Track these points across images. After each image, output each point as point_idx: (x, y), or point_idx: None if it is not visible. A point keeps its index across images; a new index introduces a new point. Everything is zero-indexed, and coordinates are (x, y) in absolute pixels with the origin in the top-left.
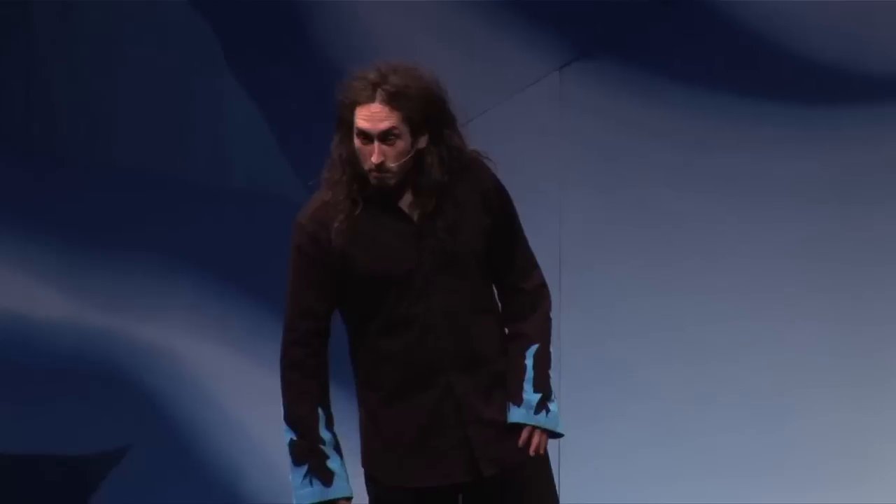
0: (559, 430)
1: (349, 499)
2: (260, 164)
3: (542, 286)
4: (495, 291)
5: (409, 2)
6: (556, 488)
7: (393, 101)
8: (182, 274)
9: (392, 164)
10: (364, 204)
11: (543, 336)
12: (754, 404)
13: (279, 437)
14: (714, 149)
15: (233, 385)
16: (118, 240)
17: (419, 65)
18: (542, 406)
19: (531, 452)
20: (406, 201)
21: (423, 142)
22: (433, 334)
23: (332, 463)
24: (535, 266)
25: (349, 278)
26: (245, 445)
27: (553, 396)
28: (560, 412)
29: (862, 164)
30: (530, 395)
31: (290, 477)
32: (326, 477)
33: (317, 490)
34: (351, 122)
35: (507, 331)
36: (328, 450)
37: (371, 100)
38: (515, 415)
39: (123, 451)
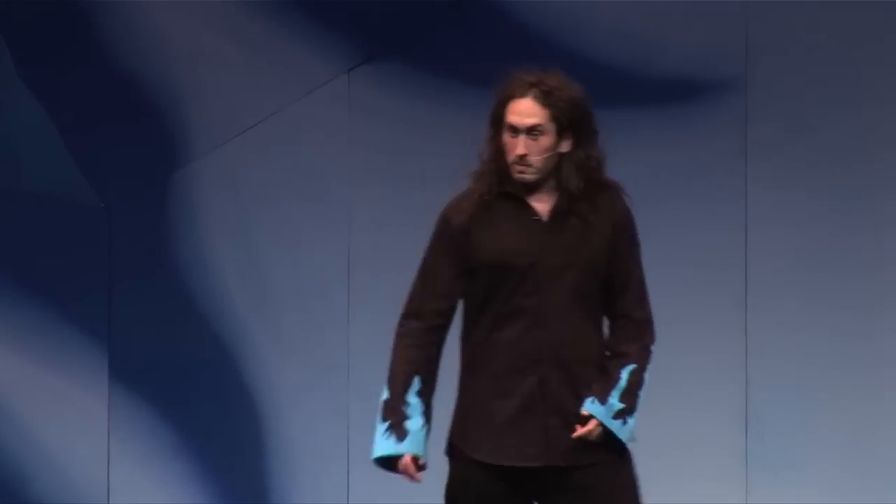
0: (628, 441)
1: (417, 457)
2: (46, 166)
3: (649, 321)
4: (604, 314)
5: (197, 2)
6: (637, 494)
7: (545, 99)
8: None
9: (534, 158)
10: (500, 197)
11: (642, 361)
12: None
13: (67, 439)
14: None
15: (20, 388)
16: None
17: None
18: (621, 415)
19: (574, 434)
20: (539, 200)
21: (565, 146)
22: (540, 328)
23: (412, 424)
24: (647, 301)
25: (473, 264)
26: (33, 448)
27: (635, 414)
28: (635, 433)
29: (653, 167)
30: (615, 402)
31: (377, 430)
32: (401, 434)
33: (389, 444)
34: (502, 118)
35: (608, 352)
36: (411, 412)
37: (524, 96)
38: (593, 409)
39: None
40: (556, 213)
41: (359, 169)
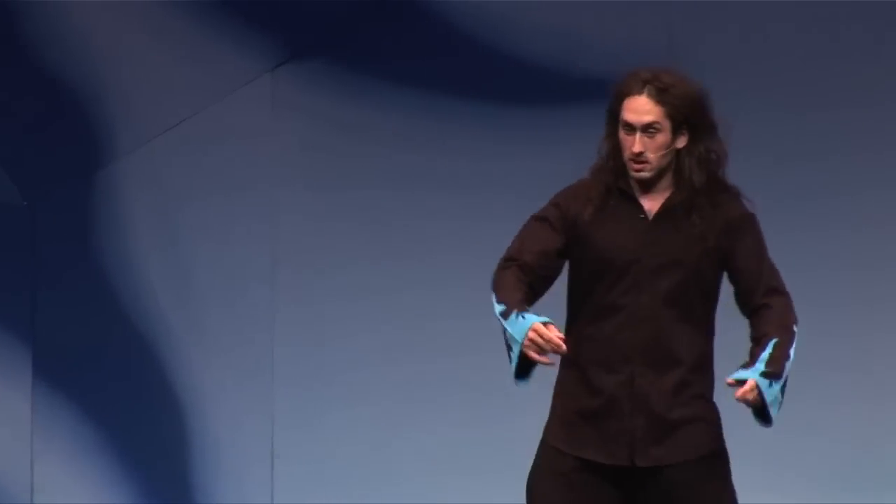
0: (771, 404)
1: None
2: None
3: (789, 305)
4: (716, 312)
5: (120, 1)
6: (732, 489)
7: (659, 96)
8: None
9: (651, 155)
10: (616, 194)
11: (783, 336)
12: (477, 402)
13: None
14: (427, 148)
15: None
16: None
17: (691, 76)
18: (767, 377)
19: (736, 395)
20: (652, 199)
21: (681, 142)
22: (633, 326)
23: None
24: (783, 287)
25: (577, 253)
26: None
27: (781, 382)
28: (780, 408)
29: (579, 165)
30: (760, 366)
31: (507, 330)
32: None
33: (529, 320)
34: (618, 115)
35: (752, 341)
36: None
37: (640, 93)
38: (740, 374)
39: None
40: (662, 212)
41: (283, 168)
